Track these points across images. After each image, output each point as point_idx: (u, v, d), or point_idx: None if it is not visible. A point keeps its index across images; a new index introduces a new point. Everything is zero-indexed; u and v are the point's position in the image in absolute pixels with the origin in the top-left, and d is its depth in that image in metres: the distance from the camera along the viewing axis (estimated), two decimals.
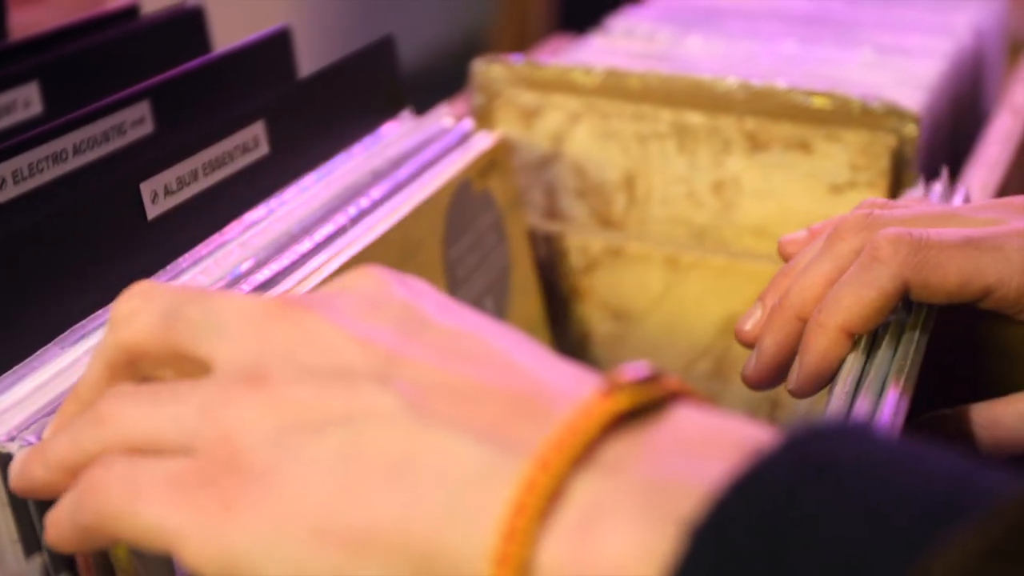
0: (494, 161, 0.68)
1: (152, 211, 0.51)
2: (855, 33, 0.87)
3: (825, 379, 0.50)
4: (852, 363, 0.49)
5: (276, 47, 0.66)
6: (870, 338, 0.50)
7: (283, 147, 0.59)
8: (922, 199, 0.59)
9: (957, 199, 0.62)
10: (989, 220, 0.51)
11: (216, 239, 0.54)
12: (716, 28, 0.88)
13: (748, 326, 0.54)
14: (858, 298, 0.48)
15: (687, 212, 0.72)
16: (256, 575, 0.32)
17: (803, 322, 0.51)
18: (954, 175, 0.75)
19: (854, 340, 0.49)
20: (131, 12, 0.69)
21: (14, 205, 0.50)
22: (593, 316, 0.74)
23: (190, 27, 0.69)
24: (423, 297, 0.37)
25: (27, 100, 0.59)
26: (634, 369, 0.32)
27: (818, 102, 0.69)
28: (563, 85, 0.74)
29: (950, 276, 0.48)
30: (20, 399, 0.43)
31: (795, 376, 0.50)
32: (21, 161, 0.51)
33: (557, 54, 0.87)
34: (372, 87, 0.67)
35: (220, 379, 0.35)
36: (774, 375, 0.52)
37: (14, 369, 0.44)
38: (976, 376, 0.58)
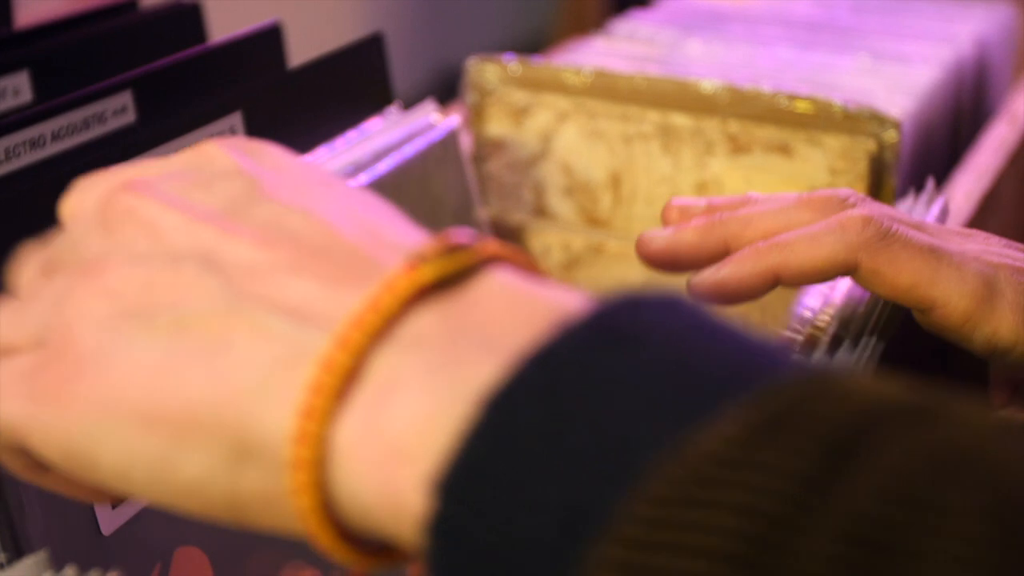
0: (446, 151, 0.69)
1: None
2: (855, 40, 0.88)
3: (724, 298, 0.50)
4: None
5: (266, 42, 0.68)
6: (832, 340, 0.51)
7: (261, 138, 0.60)
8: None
9: (935, 208, 0.63)
10: (953, 242, 0.52)
11: None
12: (717, 32, 0.89)
13: (680, 205, 0.55)
14: (806, 249, 0.49)
15: None
16: (93, 460, 0.33)
17: (725, 247, 0.51)
18: (945, 182, 0.75)
19: (770, 288, 0.50)
20: (129, 6, 0.71)
21: None
22: None
23: (186, 22, 0.71)
24: (263, 169, 0.37)
25: (16, 88, 0.61)
26: (449, 236, 0.32)
27: (800, 106, 0.70)
28: (553, 85, 0.75)
29: (903, 274, 0.49)
30: None
31: (704, 275, 0.51)
32: None
33: (562, 55, 0.88)
34: (359, 83, 0.68)
35: (66, 272, 0.36)
36: (670, 260, 0.52)
37: None
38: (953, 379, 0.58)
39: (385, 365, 0.30)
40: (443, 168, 0.68)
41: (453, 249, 0.32)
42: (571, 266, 0.75)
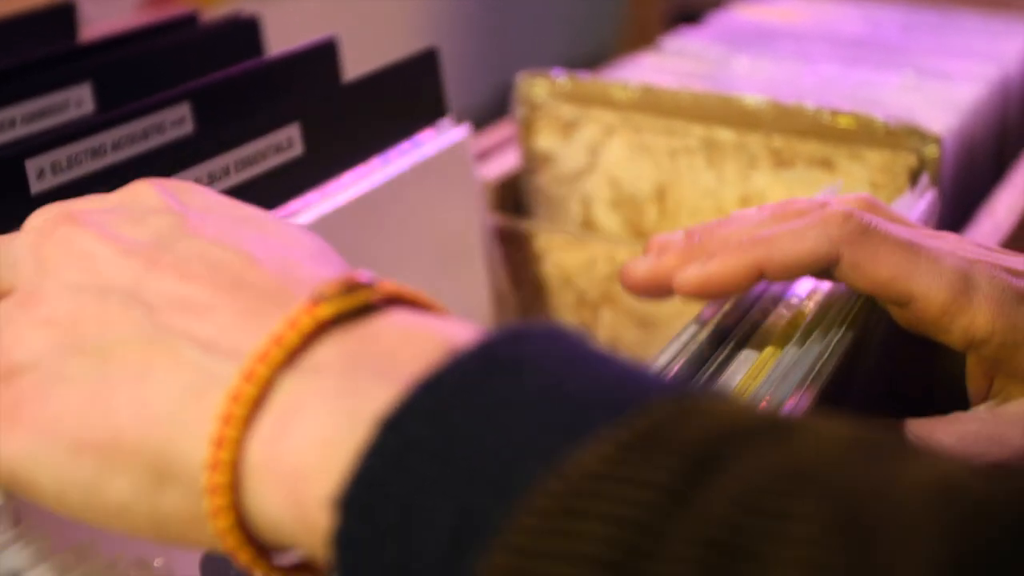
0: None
1: None
2: (901, 57, 0.89)
3: (710, 293, 0.52)
4: (784, 355, 0.52)
5: (321, 57, 0.70)
6: (804, 333, 0.52)
7: (318, 149, 0.62)
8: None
9: (922, 203, 0.64)
10: (929, 239, 0.53)
11: None
12: (765, 49, 0.91)
13: (661, 242, 0.56)
14: (789, 243, 0.51)
15: None
16: (31, 483, 0.35)
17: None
18: (989, 196, 0.76)
19: (754, 283, 0.51)
20: (190, 20, 0.73)
21: (50, 195, 0.54)
22: (619, 323, 0.77)
23: (244, 36, 0.73)
24: (189, 208, 0.41)
25: (79, 100, 0.63)
26: (351, 276, 0.35)
27: (843, 121, 0.71)
28: (600, 100, 0.77)
29: (881, 267, 0.50)
30: None
31: (690, 272, 0.52)
32: (60, 154, 0.55)
33: (612, 71, 0.89)
34: (414, 96, 0.70)
35: (9, 302, 0.38)
36: (654, 287, 0.54)
37: None
38: (934, 408, 0.59)
39: (287, 393, 0.33)
40: (448, 177, 0.70)
41: (353, 288, 0.35)
42: (615, 277, 0.76)
